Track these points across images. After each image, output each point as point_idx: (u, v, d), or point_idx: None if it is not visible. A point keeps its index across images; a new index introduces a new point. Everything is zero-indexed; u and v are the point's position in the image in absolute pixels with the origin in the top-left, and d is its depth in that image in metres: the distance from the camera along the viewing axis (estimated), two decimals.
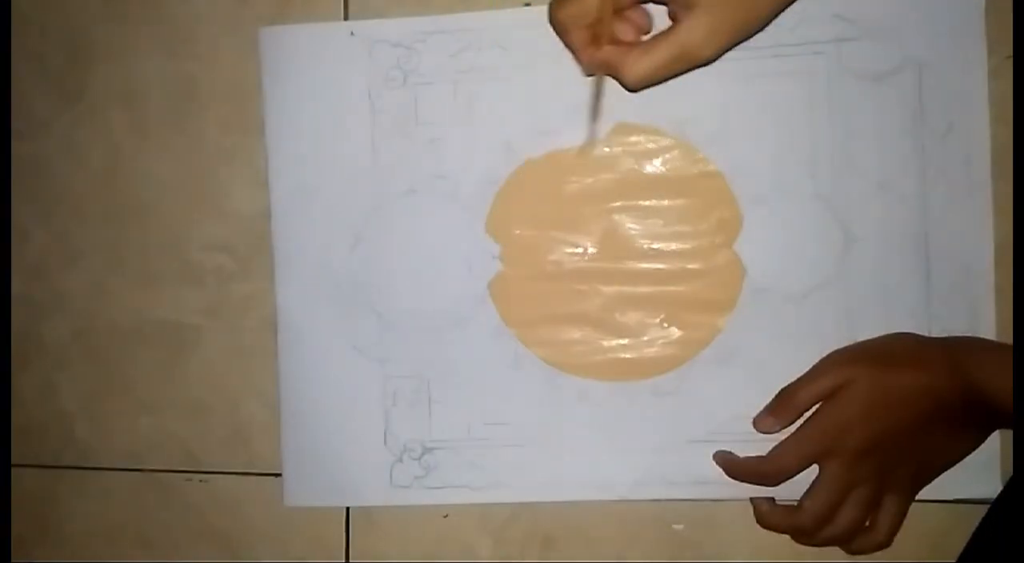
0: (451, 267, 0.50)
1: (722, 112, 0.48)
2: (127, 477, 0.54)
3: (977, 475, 0.46)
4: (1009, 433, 0.45)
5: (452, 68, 0.50)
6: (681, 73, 0.42)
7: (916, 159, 0.47)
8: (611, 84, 0.44)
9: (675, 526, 0.49)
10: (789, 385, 0.46)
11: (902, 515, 0.45)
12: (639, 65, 0.41)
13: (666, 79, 0.42)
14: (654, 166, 0.49)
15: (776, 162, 0.48)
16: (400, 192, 0.50)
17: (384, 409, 0.51)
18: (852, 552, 0.46)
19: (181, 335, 0.53)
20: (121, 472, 0.54)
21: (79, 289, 0.54)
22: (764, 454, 0.46)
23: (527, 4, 0.49)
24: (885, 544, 0.45)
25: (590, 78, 0.45)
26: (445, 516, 0.51)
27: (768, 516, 0.46)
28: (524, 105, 0.49)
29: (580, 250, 0.49)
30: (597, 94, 0.46)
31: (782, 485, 0.45)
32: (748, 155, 0.48)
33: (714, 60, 0.41)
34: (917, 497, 0.45)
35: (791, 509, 0.45)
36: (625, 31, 0.43)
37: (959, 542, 0.41)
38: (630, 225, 0.49)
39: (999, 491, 0.42)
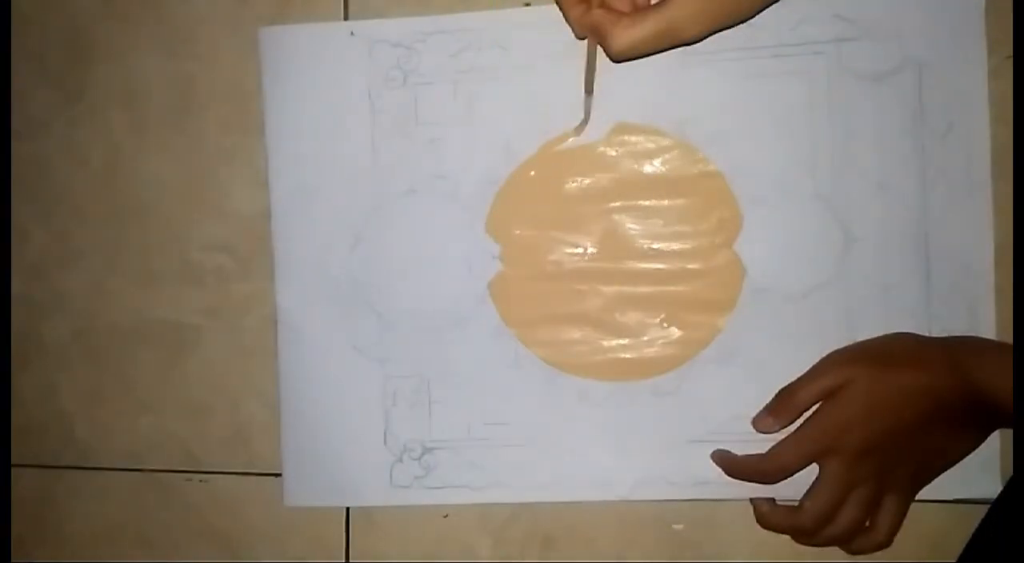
0: (451, 267, 0.50)
1: (722, 112, 0.48)
2: (127, 477, 0.54)
3: (977, 475, 0.46)
4: (1009, 433, 0.45)
5: (452, 68, 0.50)
6: (664, 50, 0.42)
7: (916, 159, 0.47)
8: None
9: (675, 526, 0.49)
10: (789, 385, 0.46)
11: (902, 515, 0.45)
12: (626, 34, 0.41)
13: (649, 54, 0.42)
14: (654, 166, 0.49)
15: (776, 162, 0.48)
16: (400, 192, 0.50)
17: (384, 409, 0.51)
18: (852, 552, 0.46)
19: (181, 335, 0.53)
20: (121, 472, 0.54)
21: (79, 289, 0.54)
22: (764, 452, 0.46)
23: (527, 4, 0.49)
24: (885, 544, 0.45)
25: (584, 44, 0.45)
26: (445, 516, 0.51)
27: (768, 516, 0.46)
28: (524, 105, 0.49)
29: (580, 250, 0.49)
30: (591, 64, 0.46)
31: (782, 485, 0.45)
32: (748, 155, 0.48)
33: (697, 41, 0.41)
34: (917, 497, 0.45)
35: (791, 509, 0.45)
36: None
37: (959, 542, 0.41)
38: (630, 225, 0.49)
39: (999, 491, 0.42)
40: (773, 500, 0.47)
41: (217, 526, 0.53)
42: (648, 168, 0.49)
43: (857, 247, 0.47)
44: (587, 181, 0.49)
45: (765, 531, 0.47)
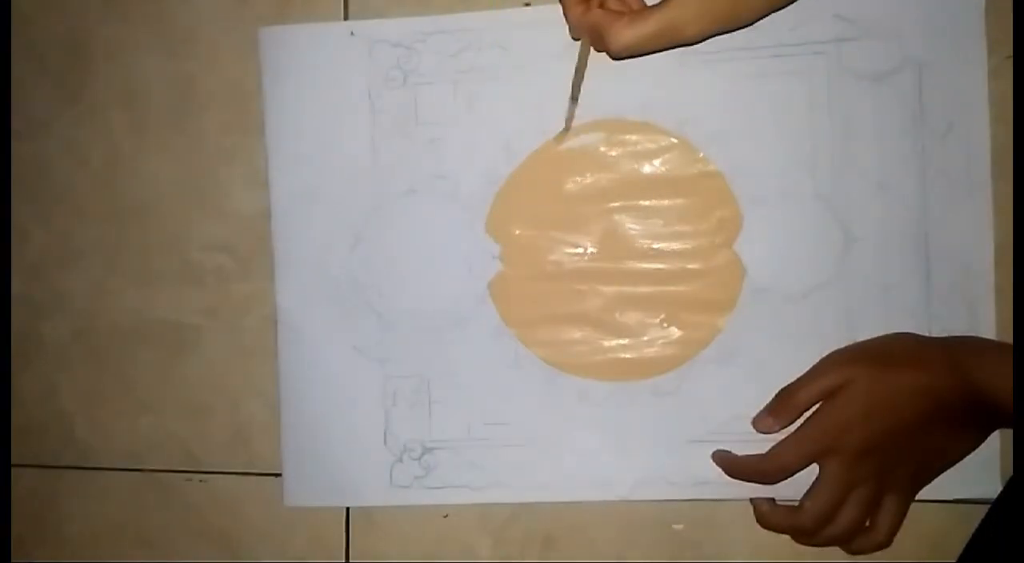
0: (451, 267, 0.50)
1: (722, 112, 0.48)
2: (127, 477, 0.54)
3: (977, 475, 0.46)
4: (1009, 433, 0.45)
5: (452, 68, 0.50)
6: (663, 49, 0.42)
7: (916, 159, 0.47)
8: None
9: (675, 526, 0.49)
10: (789, 385, 0.46)
11: (902, 515, 0.45)
12: (626, 33, 0.41)
13: (649, 52, 0.42)
14: (654, 166, 0.49)
15: (776, 162, 0.48)
16: (400, 192, 0.50)
17: (384, 409, 0.51)
18: (852, 552, 0.46)
19: (181, 335, 0.53)
20: (121, 472, 0.54)
21: (79, 289, 0.54)
22: (764, 452, 0.46)
23: (527, 4, 0.49)
24: (885, 544, 0.45)
25: (576, 47, 0.45)
26: (445, 516, 0.51)
27: (768, 516, 0.46)
28: (524, 105, 0.49)
29: (580, 250, 0.49)
30: (580, 71, 0.46)
31: (782, 485, 0.45)
32: (748, 155, 0.48)
33: (698, 41, 0.42)
34: (917, 497, 0.45)
35: (791, 509, 0.45)
36: (615, 2, 0.43)
37: (959, 542, 0.41)
38: (630, 225, 0.49)
39: (999, 491, 0.42)
40: (773, 500, 0.47)
41: (217, 526, 0.53)
42: (648, 168, 0.49)
43: (857, 247, 0.47)
44: (587, 181, 0.49)
45: (765, 531, 0.47)
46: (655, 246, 0.49)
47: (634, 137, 0.49)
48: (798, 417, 0.45)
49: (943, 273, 0.47)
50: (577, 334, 0.49)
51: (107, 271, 0.54)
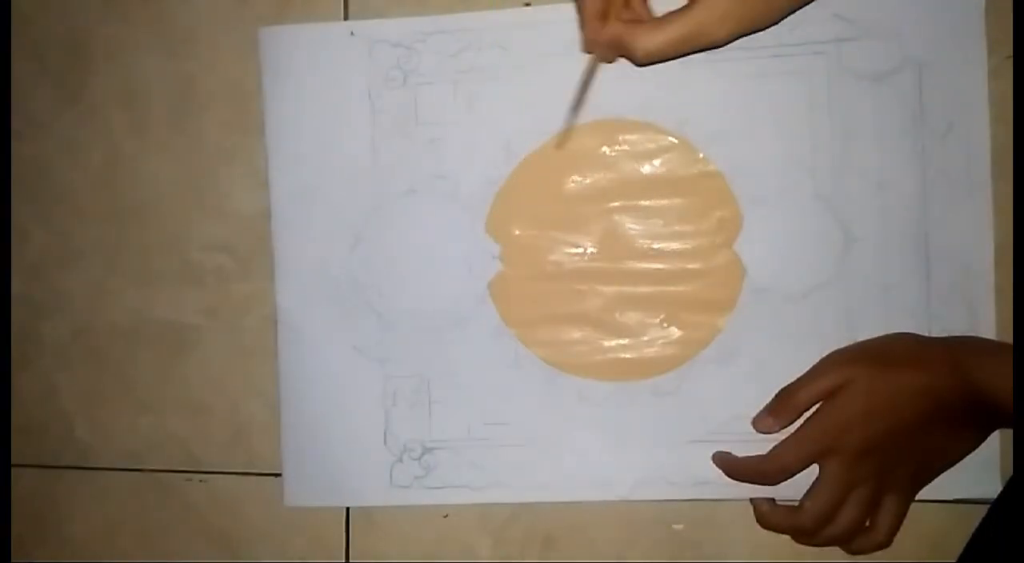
0: (451, 267, 0.50)
1: (722, 112, 0.48)
2: (127, 477, 0.54)
3: (977, 475, 0.46)
4: (1009, 433, 0.45)
5: (452, 68, 0.50)
6: (689, 53, 0.42)
7: (916, 159, 0.47)
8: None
9: (675, 526, 0.49)
10: (789, 385, 0.46)
11: (902, 515, 0.45)
12: (652, 38, 0.41)
13: (674, 57, 0.42)
14: (654, 166, 0.49)
15: (776, 162, 0.48)
16: (400, 192, 0.50)
17: (384, 409, 0.51)
18: (852, 552, 0.46)
19: (181, 335, 0.53)
20: (121, 472, 0.54)
21: (79, 289, 0.54)
22: (764, 453, 0.46)
23: (527, 4, 0.49)
24: (885, 544, 0.45)
25: (585, 61, 0.45)
26: (445, 516, 0.51)
27: (768, 516, 0.46)
28: (524, 105, 0.49)
29: (580, 250, 0.49)
30: (585, 84, 0.46)
31: (782, 485, 0.45)
32: (748, 155, 0.48)
33: (725, 43, 0.41)
34: (917, 497, 0.45)
35: (791, 509, 0.45)
36: (630, 14, 0.43)
37: (959, 542, 0.41)
38: (630, 225, 0.49)
39: (999, 491, 0.42)
40: (773, 500, 0.47)
41: (217, 526, 0.53)
42: (648, 168, 0.49)
43: (857, 247, 0.47)
44: (587, 181, 0.49)
45: (765, 531, 0.47)
46: (655, 246, 0.49)
47: (634, 137, 0.49)
48: (798, 417, 0.45)
49: (943, 273, 0.47)
50: (577, 334, 0.49)
51: (107, 271, 0.54)
